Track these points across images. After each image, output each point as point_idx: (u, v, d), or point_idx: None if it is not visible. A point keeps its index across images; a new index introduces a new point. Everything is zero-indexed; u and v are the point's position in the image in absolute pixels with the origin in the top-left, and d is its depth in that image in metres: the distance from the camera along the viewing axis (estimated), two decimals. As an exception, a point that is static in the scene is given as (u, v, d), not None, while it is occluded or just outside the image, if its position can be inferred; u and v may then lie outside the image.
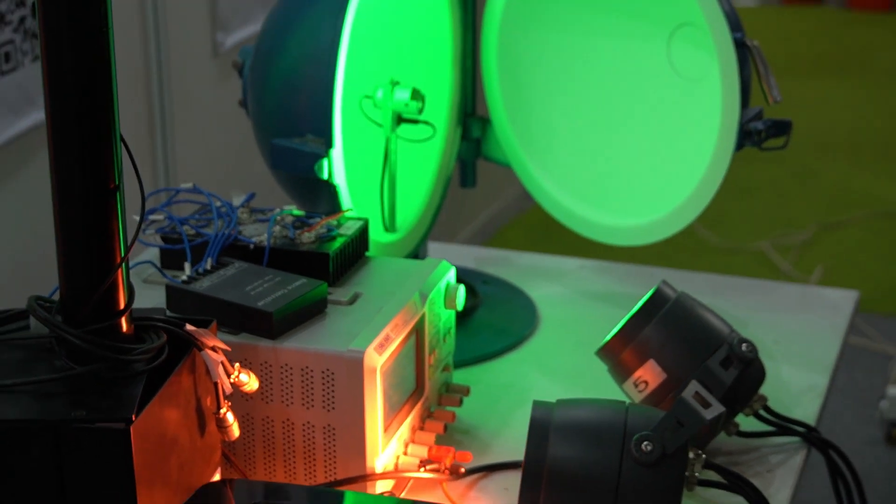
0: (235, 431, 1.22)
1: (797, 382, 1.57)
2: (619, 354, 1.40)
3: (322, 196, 1.49)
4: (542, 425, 1.23)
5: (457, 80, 1.73)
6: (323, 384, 1.26)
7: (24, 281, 2.20)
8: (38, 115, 2.16)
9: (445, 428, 1.40)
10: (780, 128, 1.56)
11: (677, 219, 1.63)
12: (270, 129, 1.50)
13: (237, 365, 1.21)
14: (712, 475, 1.33)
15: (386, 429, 1.30)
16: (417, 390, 1.38)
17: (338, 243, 1.39)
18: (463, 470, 1.35)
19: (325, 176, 1.46)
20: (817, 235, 4.23)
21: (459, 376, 1.55)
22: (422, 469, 1.34)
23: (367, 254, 1.45)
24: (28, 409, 1.07)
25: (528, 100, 1.74)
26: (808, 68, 5.66)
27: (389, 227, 1.62)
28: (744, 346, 1.36)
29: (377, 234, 1.59)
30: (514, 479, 1.34)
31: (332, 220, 1.42)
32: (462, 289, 1.43)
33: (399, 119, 1.57)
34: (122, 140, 1.09)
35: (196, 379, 1.18)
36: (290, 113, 1.48)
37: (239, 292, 1.30)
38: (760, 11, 6.50)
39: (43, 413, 1.07)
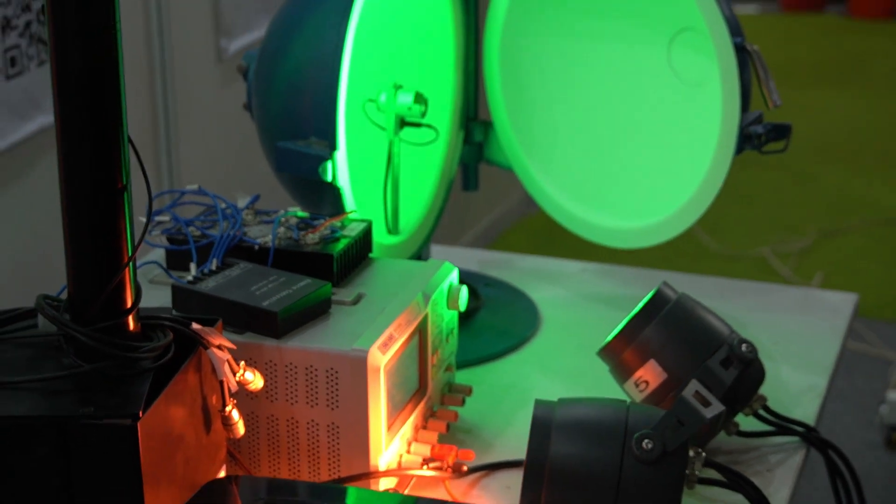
0: (240, 429, 1.24)
1: (797, 383, 1.58)
2: (620, 354, 1.41)
3: (326, 198, 1.50)
4: (544, 423, 1.25)
5: (459, 84, 1.75)
6: (327, 383, 1.28)
7: (28, 281, 2.22)
8: (43, 119, 2.17)
9: (448, 427, 1.42)
10: (780, 131, 1.57)
11: (679, 221, 1.64)
12: (275, 132, 1.52)
13: (242, 363, 1.23)
14: (713, 474, 1.34)
15: (389, 427, 1.31)
16: (420, 390, 1.40)
17: (342, 244, 1.40)
18: (465, 468, 1.37)
19: (329, 178, 1.47)
20: (817, 242, 4.24)
21: (462, 377, 1.56)
22: (425, 467, 1.35)
23: (371, 255, 1.46)
24: (36, 406, 1.09)
25: (530, 104, 1.75)
26: (808, 75, 5.68)
27: (392, 229, 1.64)
28: (744, 347, 1.38)
29: (380, 237, 1.60)
30: (516, 478, 1.35)
31: (336, 222, 1.43)
32: (465, 289, 1.44)
33: (402, 122, 1.59)
34: (130, 141, 1.10)
35: (202, 377, 1.19)
36: (294, 116, 1.49)
37: (244, 292, 1.31)
38: (761, 19, 6.52)
39: (51, 410, 1.08)
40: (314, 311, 1.32)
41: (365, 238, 1.44)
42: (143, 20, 2.46)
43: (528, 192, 1.77)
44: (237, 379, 1.22)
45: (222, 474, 1.26)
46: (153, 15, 2.47)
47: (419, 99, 1.56)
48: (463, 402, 1.46)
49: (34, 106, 2.15)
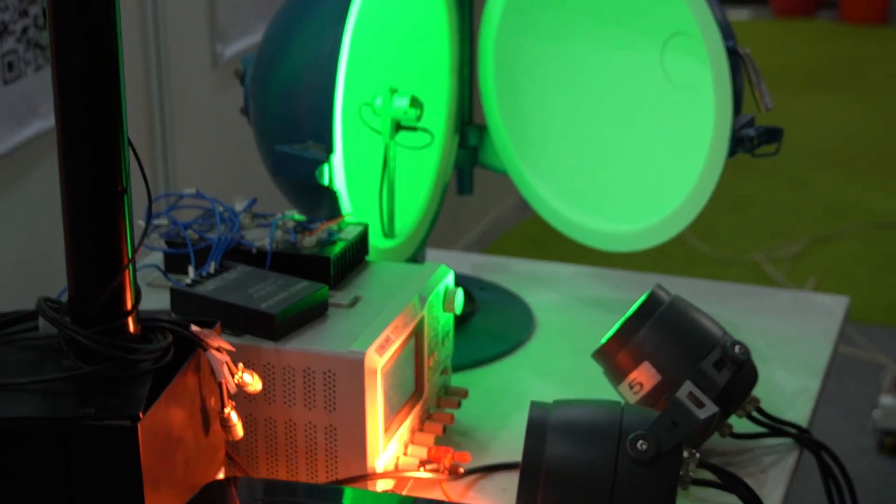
0: (239, 431, 1.25)
1: (789, 385, 1.59)
2: (614, 357, 1.42)
3: (322, 201, 1.51)
4: (540, 425, 1.26)
5: (454, 89, 1.76)
6: (324, 385, 1.29)
7: (28, 284, 2.22)
8: (41, 124, 2.18)
9: (444, 429, 1.43)
10: (772, 135, 1.58)
11: (673, 224, 1.65)
12: (272, 136, 1.53)
13: (241, 365, 1.24)
14: (707, 475, 1.35)
15: (386, 429, 1.32)
16: (417, 392, 1.41)
17: (338, 247, 1.41)
18: (462, 470, 1.37)
19: (326, 182, 1.48)
20: (810, 247, 4.25)
21: (457, 380, 1.57)
22: (421, 469, 1.36)
23: (367, 258, 1.47)
24: (38, 408, 1.10)
25: (524, 108, 1.76)
26: (801, 81, 5.69)
27: (388, 232, 1.65)
28: (737, 349, 1.39)
29: (376, 240, 1.61)
30: (511, 480, 1.36)
31: (333, 225, 1.44)
32: (460, 292, 1.45)
33: (398, 126, 1.60)
34: (130, 143, 1.11)
35: (201, 379, 1.20)
36: (291, 119, 1.50)
37: (242, 295, 1.32)
38: (753, 24, 6.54)
39: (52, 411, 1.09)
40: (311, 314, 1.33)
41: (361, 241, 1.45)
42: (139, 25, 2.47)
43: (523, 196, 1.78)
44: (236, 381, 1.23)
45: (221, 476, 1.27)
46: (149, 20, 2.48)
47: (415, 103, 1.57)
48: (459, 405, 1.48)
49: (32, 111, 2.16)
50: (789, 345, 1.69)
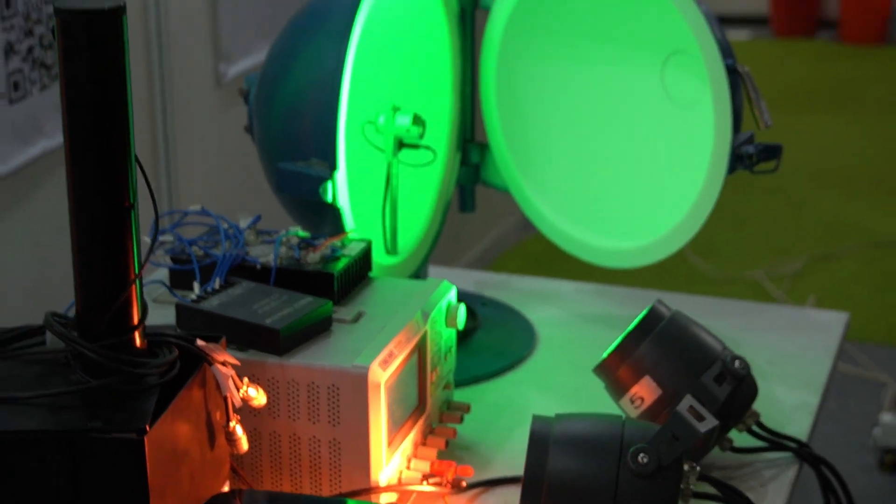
0: (244, 445, 1.25)
1: (789, 400, 1.60)
2: (615, 371, 1.43)
3: (326, 218, 1.53)
4: (542, 438, 1.27)
5: (456, 107, 1.77)
6: (328, 399, 1.30)
7: (31, 302, 2.24)
8: (46, 143, 2.20)
9: (447, 443, 1.44)
10: (771, 152, 1.60)
11: (673, 240, 1.66)
12: (275, 153, 1.54)
13: (245, 380, 1.25)
14: (707, 488, 1.36)
15: (390, 443, 1.33)
16: (420, 406, 1.42)
17: (342, 263, 1.42)
18: (464, 484, 1.38)
19: (329, 199, 1.50)
20: (810, 265, 4.26)
21: (460, 395, 1.58)
22: (424, 483, 1.37)
23: (370, 274, 1.49)
24: (45, 421, 1.11)
25: (525, 126, 1.78)
26: (801, 101, 5.71)
27: (391, 249, 1.66)
28: (737, 363, 1.40)
29: (379, 257, 1.62)
30: (513, 494, 1.37)
31: (337, 242, 1.45)
32: (463, 307, 1.47)
33: (400, 144, 1.61)
34: (137, 160, 1.13)
35: (206, 393, 1.21)
36: (295, 137, 1.52)
37: (247, 310, 1.33)
38: (753, 45, 6.56)
39: (60, 424, 1.10)
40: (316, 329, 1.34)
41: (365, 257, 1.47)
42: (143, 45, 2.48)
43: (524, 213, 1.79)
44: (241, 395, 1.24)
45: (226, 489, 1.28)
46: (153, 40, 2.49)
47: (417, 121, 1.59)
48: (461, 420, 1.49)
49: (37, 130, 2.17)
50: (789, 360, 1.70)
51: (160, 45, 2.51)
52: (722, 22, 1.62)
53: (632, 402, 1.42)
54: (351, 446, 1.30)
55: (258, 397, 1.26)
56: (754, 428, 1.45)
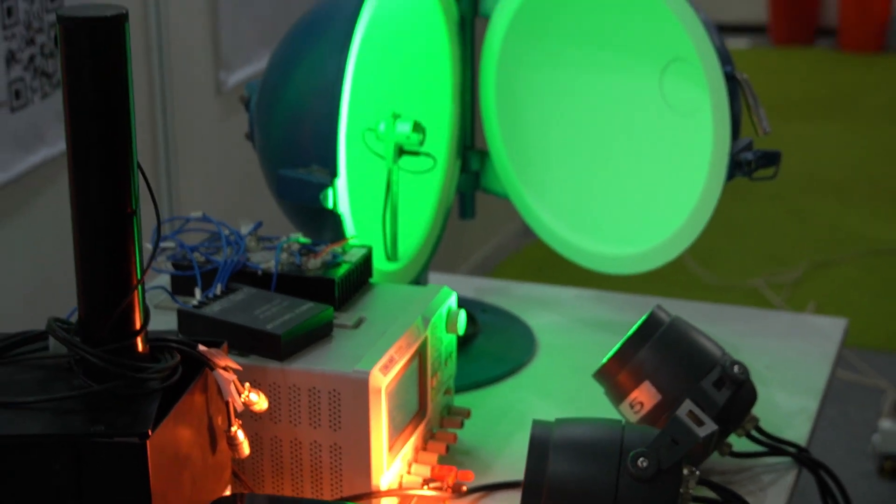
0: (245, 449, 1.26)
1: (788, 406, 1.61)
2: (615, 377, 1.44)
3: (327, 225, 1.53)
4: (542, 443, 1.27)
5: (456, 114, 1.78)
6: (329, 404, 1.30)
7: (33, 309, 2.24)
8: (47, 151, 2.20)
9: (447, 448, 1.44)
10: (770, 159, 1.60)
11: (672, 246, 1.67)
12: (276, 160, 1.55)
13: (247, 385, 1.26)
14: (707, 492, 1.37)
15: (390, 448, 1.34)
16: (420, 411, 1.42)
17: (343, 269, 1.43)
18: (465, 489, 1.39)
19: (330, 205, 1.50)
20: (810, 273, 4.27)
21: (460, 401, 1.59)
22: (425, 487, 1.37)
23: (371, 280, 1.49)
24: (49, 425, 1.11)
25: (525, 133, 1.78)
26: (799, 109, 5.72)
27: (391, 256, 1.67)
28: (736, 368, 1.41)
29: (379, 263, 1.63)
30: (514, 499, 1.38)
31: (337, 248, 1.46)
32: (463, 313, 1.47)
33: (401, 151, 1.62)
34: (139, 167, 1.13)
35: (208, 398, 1.22)
36: (295, 144, 1.52)
37: (248, 316, 1.34)
38: (752, 53, 6.56)
39: (63, 428, 1.11)
40: (317, 335, 1.35)
41: (365, 263, 1.47)
42: (143, 53, 2.49)
43: (524, 220, 1.80)
44: (242, 400, 1.24)
45: (227, 493, 1.28)
46: (154, 48, 2.50)
47: (417, 128, 1.59)
48: (462, 425, 1.49)
49: (38, 138, 2.18)
50: (788, 366, 1.71)
51: (161, 53, 2.51)
52: (721, 30, 1.63)
53: (631, 406, 1.43)
54: (352, 451, 1.31)
55: (259, 402, 1.26)
56: (753, 433, 1.46)
